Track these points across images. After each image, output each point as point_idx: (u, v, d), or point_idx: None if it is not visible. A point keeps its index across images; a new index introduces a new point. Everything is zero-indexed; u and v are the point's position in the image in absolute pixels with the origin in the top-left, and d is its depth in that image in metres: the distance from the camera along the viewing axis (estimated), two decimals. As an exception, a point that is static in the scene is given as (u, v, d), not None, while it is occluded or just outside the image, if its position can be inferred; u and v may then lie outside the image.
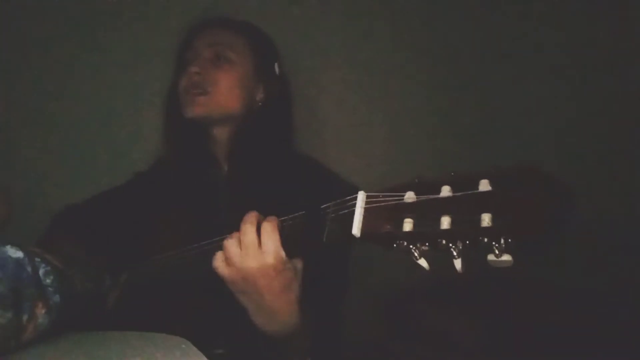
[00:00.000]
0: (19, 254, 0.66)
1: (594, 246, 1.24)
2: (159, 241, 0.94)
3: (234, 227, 0.75)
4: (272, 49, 1.13)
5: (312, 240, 0.70)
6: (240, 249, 0.70)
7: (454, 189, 0.56)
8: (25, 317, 0.63)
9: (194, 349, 0.63)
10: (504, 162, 0.54)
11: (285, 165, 1.03)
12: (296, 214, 0.74)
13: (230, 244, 0.71)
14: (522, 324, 1.19)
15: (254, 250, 0.70)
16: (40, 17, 1.42)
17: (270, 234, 0.70)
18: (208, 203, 1.02)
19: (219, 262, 0.73)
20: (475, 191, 0.53)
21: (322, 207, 0.70)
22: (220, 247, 0.74)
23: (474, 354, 1.19)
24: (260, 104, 1.07)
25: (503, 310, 1.22)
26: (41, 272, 0.68)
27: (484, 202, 0.52)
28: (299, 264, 0.74)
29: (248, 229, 0.71)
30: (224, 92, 1.03)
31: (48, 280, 0.68)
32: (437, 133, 1.41)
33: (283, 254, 0.70)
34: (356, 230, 0.63)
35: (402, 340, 1.26)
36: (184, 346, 0.64)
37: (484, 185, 0.53)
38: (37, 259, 0.68)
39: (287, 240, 0.71)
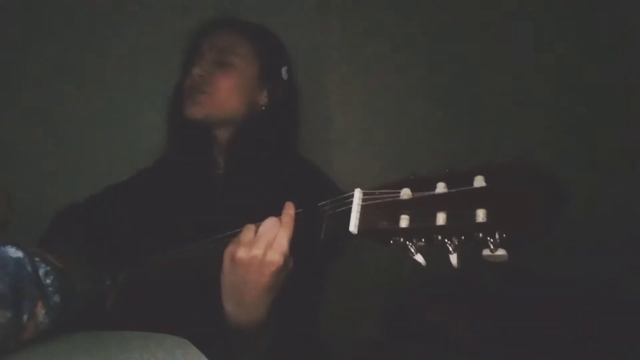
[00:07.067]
0: (19, 253, 0.66)
1: (591, 241, 1.24)
2: (156, 240, 0.94)
3: (228, 228, 0.75)
4: (279, 53, 1.12)
5: (309, 238, 0.71)
6: (255, 236, 0.71)
7: (449, 186, 0.56)
8: (25, 317, 0.63)
9: (194, 349, 0.63)
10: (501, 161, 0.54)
11: (282, 169, 1.02)
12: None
13: (249, 228, 0.73)
14: (521, 322, 1.19)
15: (265, 242, 0.70)
16: (40, 17, 1.42)
17: (286, 229, 0.71)
18: (203, 203, 1.02)
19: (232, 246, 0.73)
20: (470, 187, 0.53)
21: (319, 204, 0.71)
22: (220, 244, 0.74)
23: (474, 352, 1.19)
24: (263, 108, 1.07)
25: (502, 308, 1.22)
26: (41, 272, 0.68)
27: (479, 198, 0.53)
28: (290, 263, 0.74)
29: (271, 223, 0.72)
30: (224, 95, 1.04)
31: (48, 280, 0.68)
32: (437, 133, 1.41)
33: (289, 256, 0.71)
34: (353, 227, 0.64)
35: (401, 340, 1.26)
36: (184, 346, 0.64)
37: (479, 182, 0.53)
38: (37, 259, 0.68)
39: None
